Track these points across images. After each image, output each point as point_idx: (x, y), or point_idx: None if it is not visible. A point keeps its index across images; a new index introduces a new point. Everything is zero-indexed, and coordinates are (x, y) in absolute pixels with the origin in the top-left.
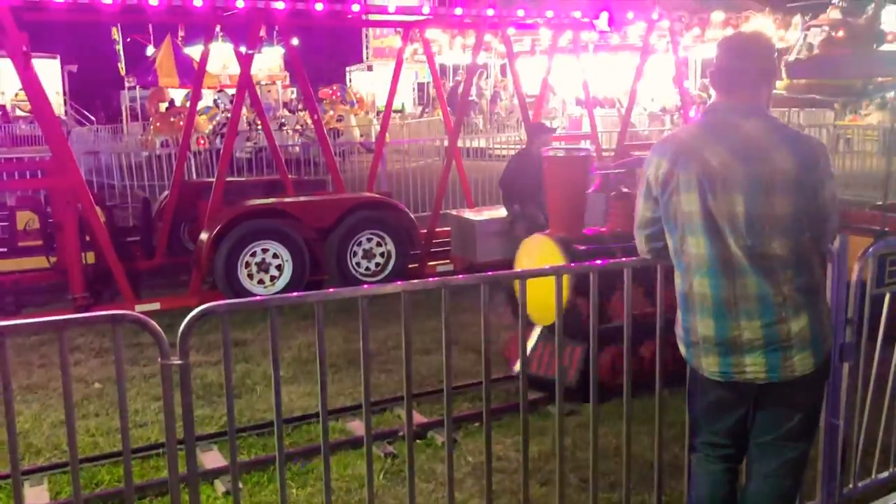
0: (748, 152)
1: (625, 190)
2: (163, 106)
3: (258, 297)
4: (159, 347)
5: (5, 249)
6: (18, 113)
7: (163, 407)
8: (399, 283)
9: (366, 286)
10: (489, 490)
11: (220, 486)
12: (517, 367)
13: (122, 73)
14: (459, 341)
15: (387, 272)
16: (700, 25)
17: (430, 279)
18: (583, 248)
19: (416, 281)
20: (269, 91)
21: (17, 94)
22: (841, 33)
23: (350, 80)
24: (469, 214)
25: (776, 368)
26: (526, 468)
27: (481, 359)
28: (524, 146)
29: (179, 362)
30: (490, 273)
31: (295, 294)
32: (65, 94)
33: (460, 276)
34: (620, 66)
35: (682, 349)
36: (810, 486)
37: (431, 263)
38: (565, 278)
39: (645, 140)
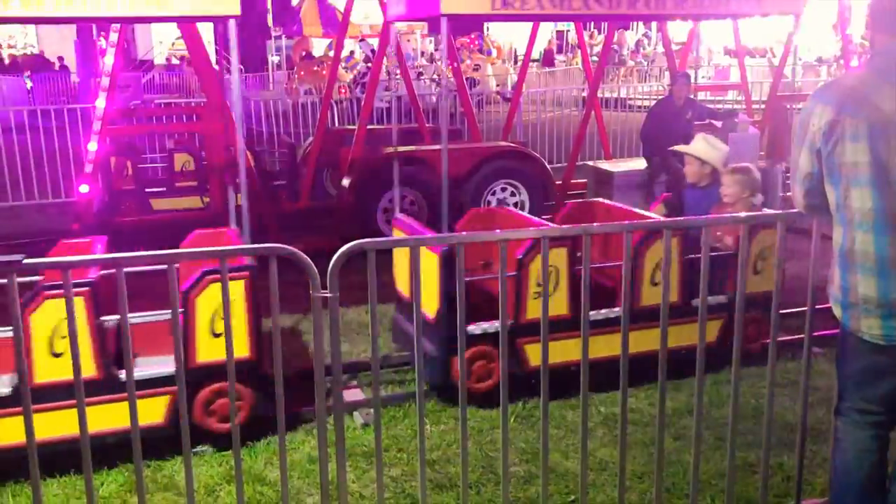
0: None
1: None
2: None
3: (403, 237)
4: (310, 280)
5: (164, 189)
6: (174, 62)
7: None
8: (539, 227)
9: (500, 231)
10: (623, 437)
11: (358, 418)
12: None
13: (270, 23)
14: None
15: None
16: None
17: (572, 225)
18: None
19: (556, 227)
20: (408, 40)
21: (173, 44)
22: None
23: (488, 29)
24: (606, 166)
25: None
26: (662, 422)
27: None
28: (666, 95)
29: (329, 295)
30: (630, 221)
31: (437, 235)
32: (216, 43)
33: (601, 223)
34: None
35: (837, 310)
36: None
37: None
38: None
39: (797, 91)
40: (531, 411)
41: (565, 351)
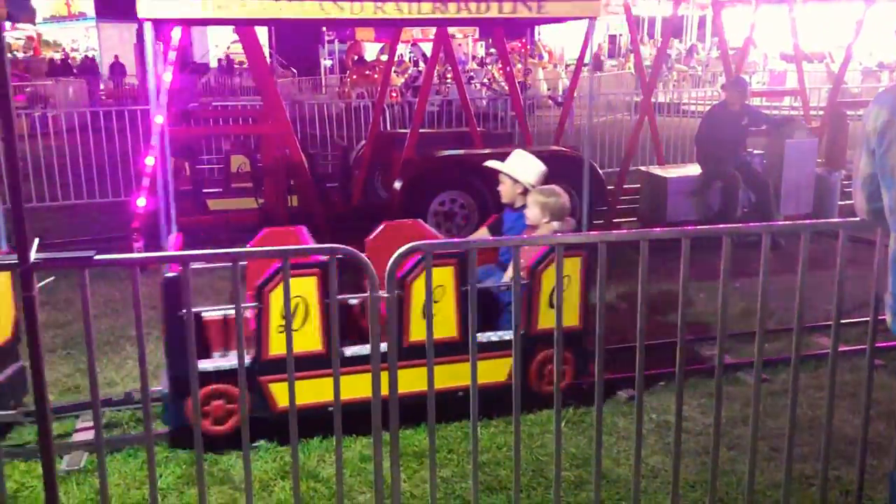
0: None
1: None
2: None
3: (459, 239)
4: (370, 280)
5: (220, 189)
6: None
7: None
8: (596, 232)
9: (559, 234)
10: (677, 445)
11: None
12: None
13: (324, 27)
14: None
15: None
16: None
17: (630, 231)
18: None
19: (615, 232)
20: (459, 45)
21: (229, 48)
22: None
23: (539, 33)
24: (660, 171)
25: None
26: (717, 430)
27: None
28: (721, 101)
29: (387, 295)
30: (691, 227)
31: (492, 238)
32: (270, 47)
33: (660, 229)
34: (835, 16)
35: (889, 319)
36: None
37: (617, 221)
38: None
39: (855, 98)
40: (582, 417)
41: (321, 390)
